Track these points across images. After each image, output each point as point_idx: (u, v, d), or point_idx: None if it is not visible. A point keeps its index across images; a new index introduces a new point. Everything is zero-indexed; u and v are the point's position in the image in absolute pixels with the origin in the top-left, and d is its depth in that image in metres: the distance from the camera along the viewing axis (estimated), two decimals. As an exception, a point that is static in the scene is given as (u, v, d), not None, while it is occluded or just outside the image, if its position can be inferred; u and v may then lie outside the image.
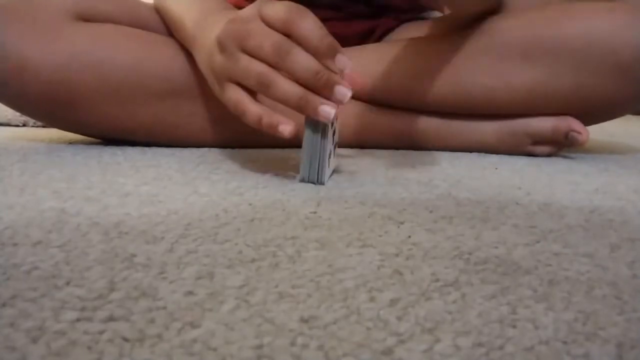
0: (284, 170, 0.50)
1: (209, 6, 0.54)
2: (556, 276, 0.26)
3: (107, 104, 0.59)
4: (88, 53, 0.57)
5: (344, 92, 0.40)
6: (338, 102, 0.41)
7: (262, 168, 0.51)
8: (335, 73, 0.41)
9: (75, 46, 0.57)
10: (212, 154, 0.60)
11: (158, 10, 0.67)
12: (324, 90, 0.41)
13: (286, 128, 0.41)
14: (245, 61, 0.42)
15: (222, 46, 0.44)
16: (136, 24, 0.63)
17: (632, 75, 0.59)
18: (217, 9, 0.53)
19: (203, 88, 0.59)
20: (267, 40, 0.41)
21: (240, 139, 0.63)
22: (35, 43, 0.56)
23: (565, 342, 0.20)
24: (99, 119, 0.60)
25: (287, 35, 0.41)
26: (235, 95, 0.43)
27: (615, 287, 0.25)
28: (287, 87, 0.41)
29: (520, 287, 0.25)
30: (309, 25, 0.40)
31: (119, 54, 0.58)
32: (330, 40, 0.40)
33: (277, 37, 0.41)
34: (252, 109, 0.42)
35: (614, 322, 0.21)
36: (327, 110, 0.41)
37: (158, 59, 0.60)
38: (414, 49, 0.66)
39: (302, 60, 0.40)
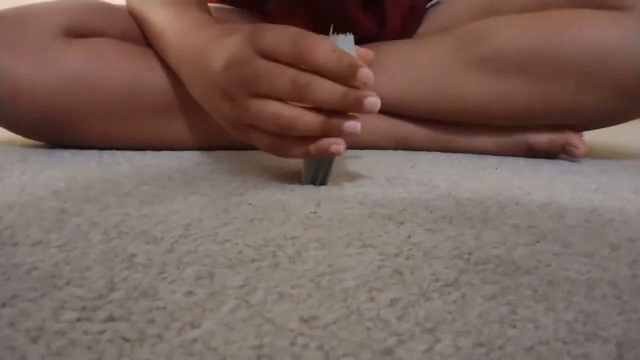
0: (284, 171, 0.50)
1: (189, 22, 0.51)
2: (556, 276, 0.26)
3: (104, 124, 0.57)
4: (82, 73, 0.55)
5: (373, 101, 0.37)
6: (369, 113, 0.38)
7: (262, 168, 0.51)
8: (358, 88, 0.38)
9: (68, 67, 0.55)
10: (212, 154, 0.60)
11: (131, 13, 0.63)
12: (353, 108, 0.38)
13: (339, 147, 0.39)
14: (257, 106, 0.39)
15: (227, 95, 0.41)
16: (128, 37, 0.61)
17: (634, 91, 0.56)
18: (200, 25, 0.49)
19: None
20: (280, 79, 0.38)
21: (242, 144, 0.63)
22: (28, 65, 0.54)
23: (565, 342, 0.20)
24: (98, 138, 0.59)
25: (298, 65, 0.38)
26: (265, 141, 0.41)
27: (615, 287, 0.25)
28: (308, 121, 0.39)
29: (520, 287, 0.25)
30: (322, 50, 0.37)
31: (114, 73, 0.56)
32: (348, 58, 0.37)
33: (290, 73, 0.38)
34: (295, 148, 0.41)
35: (614, 322, 0.21)
36: (353, 125, 0.39)
37: (153, 75, 0.58)
38: (406, 56, 0.65)
39: (325, 88, 0.38)
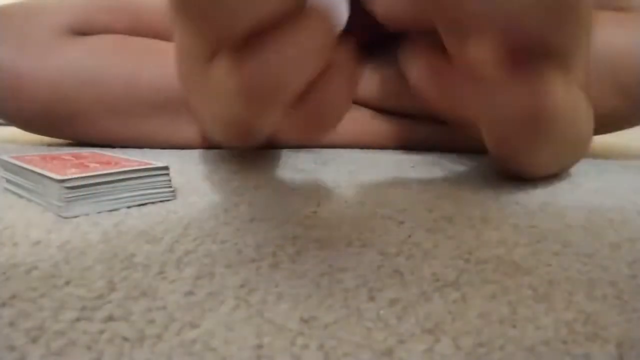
0: (284, 170, 0.50)
1: None
2: (556, 276, 0.26)
3: (105, 119, 0.58)
4: (83, 68, 0.56)
5: None
6: None
7: (263, 168, 0.51)
8: None
9: (70, 62, 0.56)
10: (212, 154, 0.60)
11: None
12: None
13: None
14: None
15: None
16: (137, 31, 0.61)
17: (638, 96, 0.55)
18: None
19: None
20: None
21: (242, 144, 0.63)
22: (30, 60, 0.55)
23: (565, 342, 0.20)
24: (99, 133, 0.59)
25: None
26: None
27: (615, 287, 0.25)
28: None
29: (520, 287, 0.25)
30: None
31: (113, 68, 0.57)
32: None
33: None
34: None
35: (614, 322, 0.21)
36: None
37: (152, 70, 0.58)
38: None
39: None
